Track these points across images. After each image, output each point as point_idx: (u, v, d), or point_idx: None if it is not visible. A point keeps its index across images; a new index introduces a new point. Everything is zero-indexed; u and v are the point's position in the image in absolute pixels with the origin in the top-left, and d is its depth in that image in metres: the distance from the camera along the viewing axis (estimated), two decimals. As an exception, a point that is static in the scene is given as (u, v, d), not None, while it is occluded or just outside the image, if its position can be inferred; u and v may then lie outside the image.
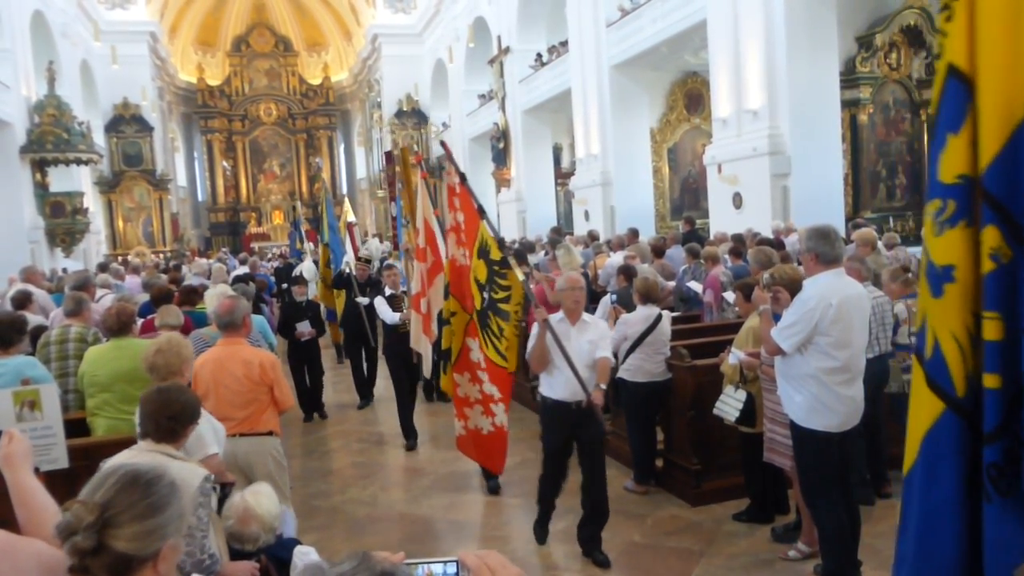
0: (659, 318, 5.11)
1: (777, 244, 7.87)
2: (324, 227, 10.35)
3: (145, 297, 6.74)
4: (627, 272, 6.58)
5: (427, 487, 5.73)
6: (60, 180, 17.79)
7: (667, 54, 14.24)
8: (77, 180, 19.06)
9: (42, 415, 3.14)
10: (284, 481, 3.98)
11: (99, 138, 22.41)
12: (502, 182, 21.06)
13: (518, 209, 20.21)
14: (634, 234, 10.36)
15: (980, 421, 1.29)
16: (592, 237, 11.53)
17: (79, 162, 17.87)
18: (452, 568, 1.07)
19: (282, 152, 34.04)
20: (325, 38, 33.71)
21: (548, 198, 20.52)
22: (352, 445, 6.98)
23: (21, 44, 16.65)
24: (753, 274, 5.49)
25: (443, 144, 5.38)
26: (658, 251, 8.86)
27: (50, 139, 16.65)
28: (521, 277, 4.11)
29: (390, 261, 8.38)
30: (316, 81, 33.58)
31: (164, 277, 9.12)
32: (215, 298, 5.30)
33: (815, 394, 3.52)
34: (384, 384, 7.89)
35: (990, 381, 1.25)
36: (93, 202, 21.47)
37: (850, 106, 11.25)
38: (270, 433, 3.92)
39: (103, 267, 11.28)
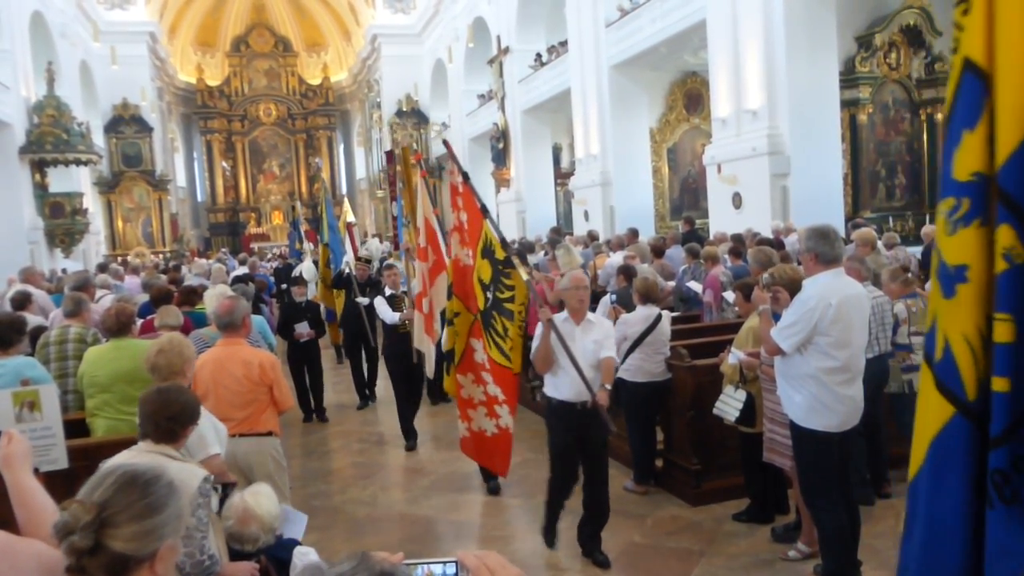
0: (659, 318, 5.11)
1: (777, 244, 7.88)
2: (324, 227, 10.34)
3: (144, 297, 6.73)
4: (627, 272, 6.58)
5: (427, 487, 5.73)
6: (59, 181, 17.78)
7: (666, 54, 14.24)
8: (76, 181, 19.05)
9: (41, 416, 3.13)
10: (284, 481, 3.98)
11: (98, 139, 22.41)
12: (501, 182, 21.06)
13: (517, 209, 20.21)
14: (634, 234, 10.36)
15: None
16: (592, 237, 11.53)
17: (78, 163, 17.86)
18: (451, 568, 1.07)
19: (281, 152, 34.05)
20: (324, 38, 33.71)
21: (548, 198, 20.52)
22: (352, 445, 6.98)
23: (20, 45, 16.64)
24: (753, 274, 5.49)
25: (445, 143, 5.35)
26: (658, 251, 8.86)
27: (49, 140, 16.65)
28: (525, 277, 4.08)
29: (390, 261, 8.36)
30: (315, 81, 33.58)
31: (164, 277, 9.12)
32: (214, 298, 5.30)
33: (815, 394, 3.52)
34: (385, 385, 7.88)
35: (999, 384, 1.22)
36: (92, 203, 21.45)
37: (850, 106, 11.25)
38: (270, 433, 3.92)
39: (102, 267, 11.27)
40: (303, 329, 7.57)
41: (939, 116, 11.76)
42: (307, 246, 14.22)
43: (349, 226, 10.42)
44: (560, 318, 4.06)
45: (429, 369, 6.02)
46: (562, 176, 21.02)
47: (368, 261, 9.13)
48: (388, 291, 6.84)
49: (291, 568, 2.61)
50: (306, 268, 11.54)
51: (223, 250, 24.14)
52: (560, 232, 12.50)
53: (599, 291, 7.82)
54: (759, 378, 4.27)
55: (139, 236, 24.66)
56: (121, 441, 3.04)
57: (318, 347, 8.01)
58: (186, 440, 2.58)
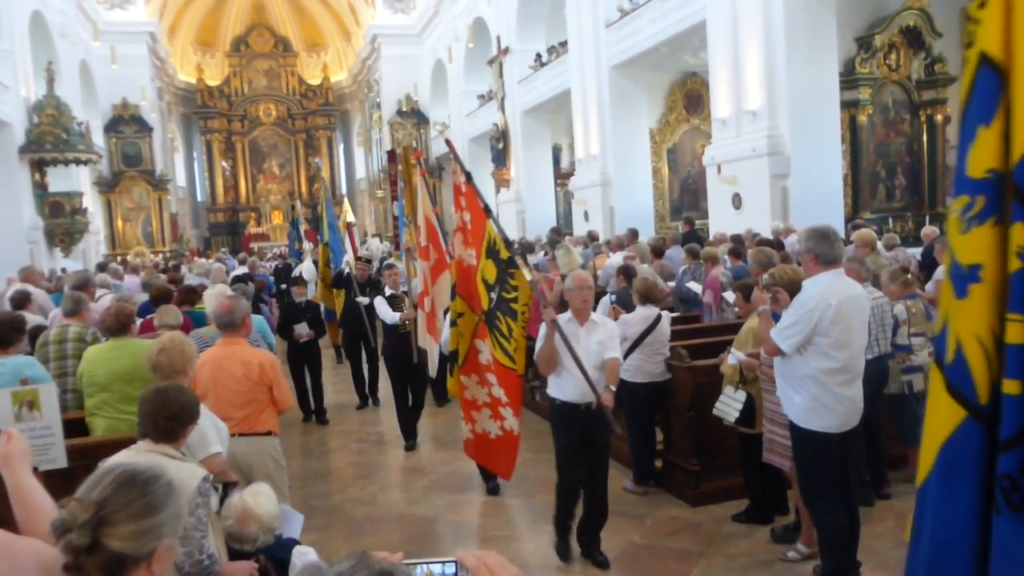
0: (658, 318, 5.11)
1: (776, 245, 7.88)
2: (324, 226, 10.32)
3: (144, 297, 6.73)
4: (627, 272, 6.58)
5: (426, 487, 5.73)
6: (59, 180, 17.78)
7: (666, 55, 14.24)
8: (76, 180, 19.05)
9: (41, 415, 3.13)
10: (283, 481, 3.98)
11: (98, 138, 22.40)
12: (501, 182, 21.07)
13: (517, 209, 20.21)
14: (633, 234, 10.37)
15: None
16: (591, 237, 11.53)
17: (78, 162, 17.86)
18: (451, 568, 1.07)
19: (281, 152, 34.04)
20: (324, 38, 33.71)
21: (547, 198, 20.52)
22: (351, 445, 6.97)
23: (20, 44, 16.64)
24: (753, 274, 5.49)
25: (448, 143, 5.33)
26: (657, 251, 8.86)
27: (49, 139, 16.64)
28: (529, 277, 4.06)
29: (390, 261, 8.33)
30: (315, 81, 33.58)
31: (163, 277, 9.11)
32: (214, 298, 5.30)
33: (814, 395, 3.52)
34: (385, 385, 7.86)
35: (1010, 387, 1.18)
36: (92, 202, 21.45)
37: (849, 107, 11.26)
38: (269, 433, 3.92)
39: (102, 267, 11.27)
40: (302, 330, 7.54)
41: (939, 117, 11.78)
42: (307, 246, 14.22)
43: (349, 226, 10.42)
44: (564, 319, 4.02)
45: (432, 368, 5.97)
46: (562, 176, 21.02)
47: (368, 261, 9.11)
48: (388, 291, 6.82)
49: (290, 568, 2.61)
50: (306, 268, 11.52)
51: (223, 250, 24.12)
52: (560, 232, 12.50)
53: (599, 291, 7.81)
54: (759, 379, 4.27)
55: (139, 236, 24.66)
56: (120, 440, 3.04)
57: (318, 348, 7.99)
58: (185, 439, 2.58)
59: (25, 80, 16.89)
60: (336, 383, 9.44)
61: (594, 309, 4.36)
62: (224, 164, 32.92)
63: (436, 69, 26.58)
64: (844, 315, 3.44)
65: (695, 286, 7.43)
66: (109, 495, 1.39)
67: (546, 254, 9.54)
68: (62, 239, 17.35)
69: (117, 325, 4.13)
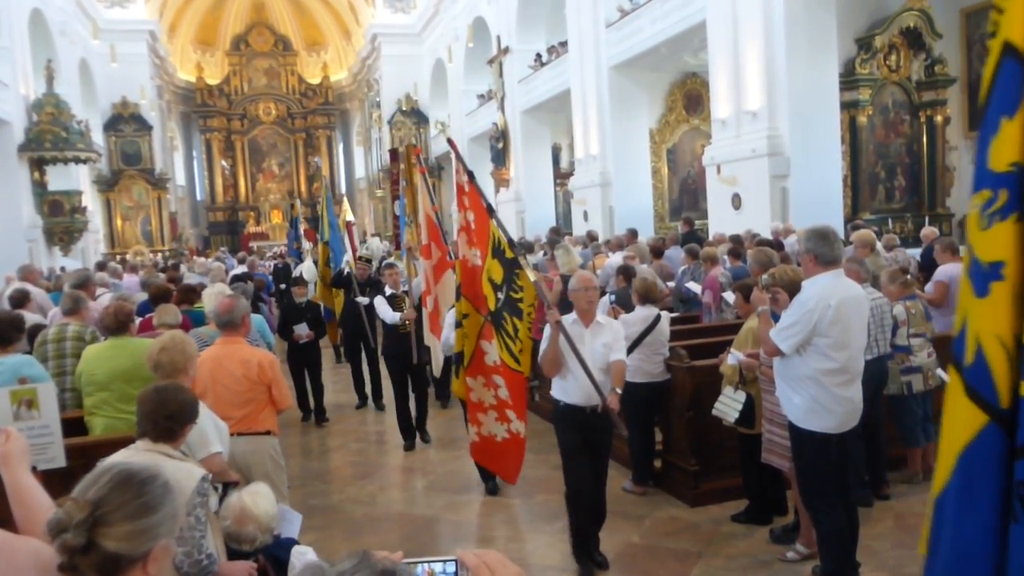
0: (658, 318, 5.11)
1: (776, 245, 7.88)
2: (324, 225, 10.29)
3: (143, 296, 6.72)
4: (626, 272, 6.58)
5: (426, 487, 5.73)
6: (58, 179, 17.76)
7: (666, 55, 14.24)
8: (76, 179, 19.03)
9: (39, 414, 3.12)
10: (282, 481, 3.98)
11: (98, 137, 22.38)
12: (501, 182, 21.06)
13: (517, 209, 20.20)
14: (633, 235, 10.37)
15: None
16: (591, 237, 11.53)
17: (77, 161, 17.84)
18: (451, 567, 1.07)
19: (281, 151, 34.02)
20: (324, 37, 33.69)
21: (547, 198, 20.51)
22: (350, 445, 6.97)
23: (20, 42, 16.62)
24: (753, 275, 5.49)
25: (450, 142, 5.28)
26: (657, 252, 8.86)
27: (48, 138, 16.63)
28: (533, 277, 4.04)
29: (390, 260, 8.30)
30: (315, 80, 33.57)
31: (162, 276, 9.10)
32: (213, 297, 5.29)
33: (813, 395, 3.52)
34: (385, 384, 7.84)
35: None
36: (91, 201, 21.43)
37: (849, 108, 11.26)
38: (268, 432, 3.92)
39: (101, 266, 11.27)
40: (302, 330, 7.48)
41: (939, 118, 11.78)
42: (306, 245, 14.21)
43: (348, 225, 10.40)
44: (569, 320, 3.96)
45: (437, 368, 5.93)
46: (561, 176, 21.02)
47: (368, 260, 9.09)
48: (388, 291, 6.77)
49: (289, 567, 2.60)
50: (306, 268, 11.50)
51: (222, 249, 24.12)
52: (559, 232, 12.50)
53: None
54: (758, 379, 4.27)
55: (138, 235, 24.65)
56: (119, 440, 3.04)
57: (319, 349, 7.93)
58: (184, 439, 2.57)
59: (24, 78, 16.88)
60: (335, 383, 9.43)
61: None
62: (223, 163, 32.90)
63: (436, 68, 26.57)
64: (843, 316, 3.44)
65: (694, 286, 7.43)
66: (105, 495, 1.38)
67: (545, 254, 9.54)
68: (61, 238, 17.34)
69: (116, 324, 4.12)
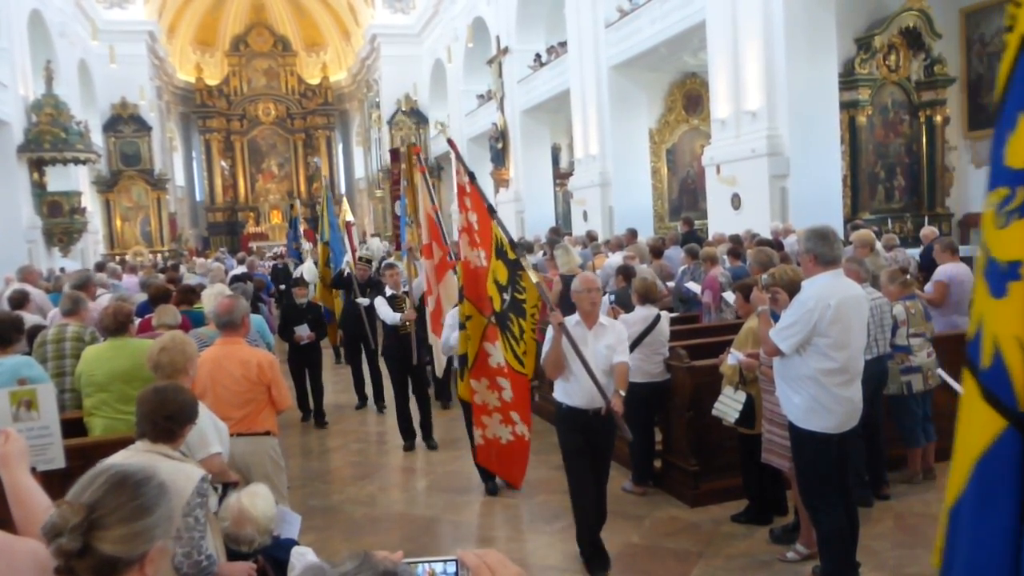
0: (657, 318, 5.10)
1: (776, 245, 7.88)
2: (324, 225, 10.28)
3: (142, 297, 6.72)
4: (626, 272, 6.58)
5: (425, 487, 5.72)
6: (58, 179, 17.76)
7: (666, 55, 14.24)
8: (75, 179, 19.02)
9: (39, 415, 3.12)
10: (281, 481, 3.97)
11: (97, 137, 22.37)
12: (500, 182, 21.06)
13: (516, 209, 20.20)
14: (632, 235, 10.37)
15: None
16: (591, 237, 11.54)
17: (77, 161, 17.83)
18: (452, 567, 1.07)
19: (280, 152, 34.01)
20: (324, 38, 33.69)
21: (546, 198, 20.51)
22: (350, 445, 6.96)
23: (19, 43, 16.61)
24: (753, 274, 5.49)
25: (450, 142, 5.26)
26: (657, 252, 8.87)
27: (48, 138, 16.62)
28: (535, 279, 4.02)
29: (391, 261, 8.28)
30: (315, 81, 33.55)
31: (162, 277, 9.09)
32: (212, 298, 5.29)
33: (813, 395, 3.52)
34: (386, 385, 7.83)
35: None
36: (91, 201, 21.42)
37: (849, 108, 11.25)
38: (267, 433, 3.91)
39: (100, 267, 11.26)
40: (303, 332, 7.43)
41: (938, 118, 11.78)
42: (307, 246, 14.21)
43: (348, 225, 10.39)
44: (571, 322, 3.92)
45: (438, 368, 5.90)
46: (561, 176, 21.02)
47: (369, 261, 9.07)
48: (389, 291, 6.73)
49: (289, 568, 2.60)
50: (307, 269, 11.49)
51: (221, 249, 24.11)
52: (559, 232, 12.51)
53: (598, 292, 7.80)
54: (758, 379, 4.26)
55: (137, 235, 24.63)
56: (119, 440, 3.04)
57: (319, 350, 7.90)
58: (184, 439, 2.57)
59: (24, 79, 16.87)
60: (335, 383, 9.43)
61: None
62: (223, 163, 32.88)
63: (435, 69, 26.57)
64: (843, 315, 3.44)
65: (694, 286, 7.43)
66: (100, 498, 1.37)
67: (545, 254, 9.54)
68: (60, 239, 17.33)
69: (115, 325, 4.12)
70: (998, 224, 1.15)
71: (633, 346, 5.01)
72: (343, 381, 9.12)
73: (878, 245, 7.42)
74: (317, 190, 30.47)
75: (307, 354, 7.67)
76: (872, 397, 4.38)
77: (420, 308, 6.35)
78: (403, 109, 27.79)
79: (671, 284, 7.98)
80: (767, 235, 9.05)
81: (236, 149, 33.09)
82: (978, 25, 11.63)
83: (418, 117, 27.94)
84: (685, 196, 15.93)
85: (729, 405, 4.42)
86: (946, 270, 6.13)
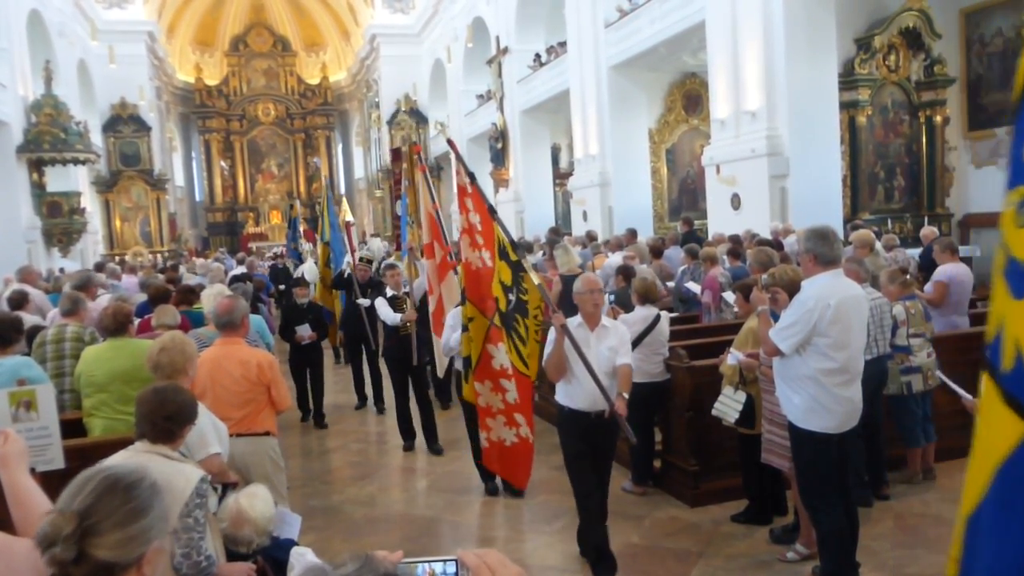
0: (657, 318, 5.10)
1: (775, 245, 7.88)
2: (325, 225, 10.26)
3: (142, 297, 6.71)
4: (626, 272, 6.58)
5: (425, 487, 5.72)
6: (57, 180, 17.74)
7: (666, 55, 14.23)
8: (74, 180, 19.00)
9: (38, 415, 3.12)
10: (281, 481, 3.97)
11: (96, 138, 22.35)
12: (500, 182, 21.06)
13: (516, 209, 20.20)
14: (632, 235, 10.37)
15: None
16: (590, 237, 11.53)
17: (76, 162, 17.82)
18: (452, 567, 1.06)
19: (280, 152, 34.00)
20: (323, 38, 33.68)
21: (546, 198, 20.50)
22: (350, 446, 6.96)
23: (18, 43, 16.60)
24: (753, 274, 5.49)
25: (450, 143, 5.24)
26: (656, 252, 8.87)
27: (47, 139, 16.61)
28: (537, 280, 3.99)
29: (391, 261, 8.27)
30: (314, 81, 33.54)
31: (161, 277, 9.08)
32: (212, 298, 5.29)
33: (813, 395, 3.51)
34: (386, 385, 7.82)
35: None
36: (90, 202, 21.41)
37: (848, 108, 11.25)
38: (267, 433, 3.91)
39: (100, 267, 11.25)
40: (304, 331, 7.40)
41: (938, 119, 11.77)
42: (307, 246, 14.20)
43: (347, 225, 10.39)
44: (574, 323, 3.89)
45: (440, 369, 5.87)
46: (561, 176, 21.01)
47: (370, 262, 9.06)
48: (390, 292, 6.70)
49: (288, 568, 2.60)
50: (308, 269, 11.49)
51: (221, 249, 24.11)
52: (559, 232, 12.50)
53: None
54: (758, 379, 4.26)
55: (137, 235, 24.62)
56: (118, 441, 3.03)
57: (321, 350, 7.88)
58: (183, 440, 2.57)
59: (23, 79, 16.86)
60: (335, 383, 9.42)
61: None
62: (223, 164, 32.87)
63: (435, 69, 26.57)
64: (843, 315, 3.44)
65: (694, 286, 7.42)
66: (91, 504, 1.34)
67: (544, 254, 9.53)
68: (60, 239, 17.31)
69: (115, 325, 4.11)
70: (1019, 223, 1.14)
71: (633, 346, 4.99)
72: (343, 381, 9.12)
73: (878, 245, 7.42)
74: (317, 190, 30.46)
75: (308, 354, 7.65)
76: (872, 397, 4.38)
77: (421, 309, 6.34)
78: (403, 109, 27.78)
79: (671, 284, 7.98)
80: (767, 235, 9.05)
81: (236, 149, 33.07)
82: (978, 25, 11.63)
83: (418, 117, 27.94)
84: (685, 196, 15.93)
85: (729, 405, 4.42)
86: (946, 270, 6.13)
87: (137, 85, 24.60)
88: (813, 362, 3.49)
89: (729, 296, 6.20)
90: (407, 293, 6.65)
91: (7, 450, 1.83)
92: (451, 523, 5.04)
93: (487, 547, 1.10)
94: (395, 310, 6.49)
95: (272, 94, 33.44)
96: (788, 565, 4.06)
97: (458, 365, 5.24)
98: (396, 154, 7.88)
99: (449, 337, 5.32)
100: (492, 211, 4.24)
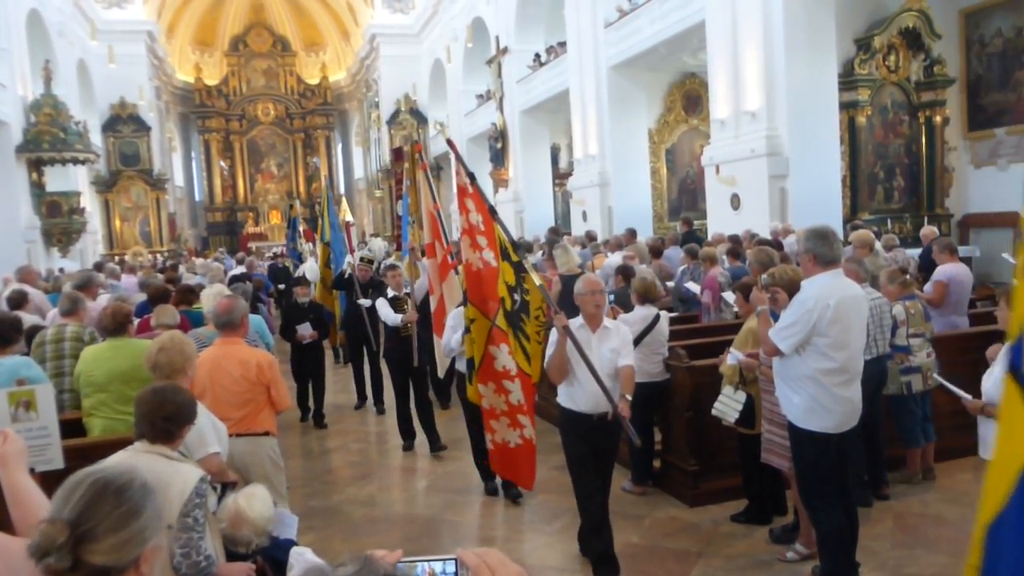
0: (657, 318, 5.10)
1: (775, 245, 7.88)
2: (325, 225, 10.25)
3: (141, 297, 6.71)
4: (625, 272, 6.58)
5: (425, 487, 5.72)
6: (57, 179, 17.73)
7: (665, 55, 14.23)
8: (74, 180, 18.99)
9: (37, 415, 3.12)
10: (280, 481, 3.97)
11: (96, 138, 22.34)
12: (500, 182, 21.06)
13: (516, 209, 20.19)
14: (632, 234, 10.37)
15: None
16: (590, 237, 11.54)
17: (76, 162, 17.81)
18: (451, 566, 1.06)
19: (280, 152, 33.98)
20: (323, 38, 33.67)
21: (546, 198, 20.50)
22: (350, 446, 6.96)
23: (17, 43, 16.59)
24: (753, 274, 5.49)
25: (450, 143, 5.23)
26: (656, 252, 8.87)
27: (47, 138, 16.60)
28: (538, 281, 3.97)
29: (391, 261, 8.26)
30: (314, 81, 33.53)
31: (161, 277, 9.07)
32: (211, 298, 5.28)
33: (813, 395, 3.51)
34: (386, 385, 7.81)
35: None
36: (90, 202, 21.39)
37: (848, 108, 11.25)
38: (266, 433, 3.91)
39: (99, 267, 11.25)
40: (305, 331, 7.38)
41: (938, 119, 11.77)
42: (307, 246, 14.19)
43: (347, 225, 10.37)
44: (575, 324, 3.86)
45: (441, 370, 5.83)
46: (560, 176, 21.02)
47: (371, 262, 9.04)
48: (391, 292, 6.68)
49: (288, 568, 2.60)
50: (309, 269, 11.47)
51: (220, 249, 24.10)
52: (558, 232, 12.50)
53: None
54: (758, 379, 4.26)
55: (136, 235, 24.60)
56: (117, 441, 3.03)
57: (322, 350, 7.86)
58: (183, 440, 2.56)
59: (22, 79, 16.85)
60: (335, 383, 9.42)
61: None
62: (222, 163, 32.85)
63: (435, 69, 26.56)
64: (843, 315, 3.44)
65: (693, 286, 7.43)
66: (83, 510, 1.33)
67: (544, 254, 9.53)
68: (59, 239, 17.31)
69: (114, 325, 4.11)
70: None
71: (633, 346, 5.00)
72: (343, 381, 9.11)
73: (877, 245, 7.42)
74: (316, 190, 30.46)
75: (310, 354, 7.62)
76: (872, 397, 4.38)
77: (422, 309, 6.33)
78: (402, 109, 27.78)
79: (671, 284, 7.98)
80: (766, 235, 9.04)
81: (235, 149, 33.06)
82: (978, 26, 11.63)
83: (417, 117, 27.93)
84: (684, 196, 15.93)
85: (729, 405, 4.42)
86: (945, 270, 6.13)
87: (137, 85, 24.59)
88: (813, 362, 3.49)
89: (729, 296, 6.20)
90: (408, 294, 6.63)
91: (6, 450, 1.82)
92: (451, 523, 5.04)
93: (487, 546, 1.09)
94: (396, 311, 6.48)
95: (272, 94, 33.42)
96: (788, 565, 4.06)
97: (460, 366, 5.23)
98: (398, 154, 7.84)
99: (450, 338, 5.32)
100: (492, 211, 4.23)
